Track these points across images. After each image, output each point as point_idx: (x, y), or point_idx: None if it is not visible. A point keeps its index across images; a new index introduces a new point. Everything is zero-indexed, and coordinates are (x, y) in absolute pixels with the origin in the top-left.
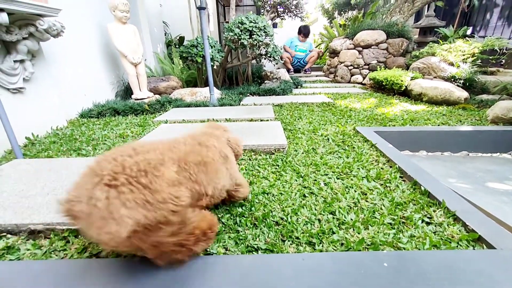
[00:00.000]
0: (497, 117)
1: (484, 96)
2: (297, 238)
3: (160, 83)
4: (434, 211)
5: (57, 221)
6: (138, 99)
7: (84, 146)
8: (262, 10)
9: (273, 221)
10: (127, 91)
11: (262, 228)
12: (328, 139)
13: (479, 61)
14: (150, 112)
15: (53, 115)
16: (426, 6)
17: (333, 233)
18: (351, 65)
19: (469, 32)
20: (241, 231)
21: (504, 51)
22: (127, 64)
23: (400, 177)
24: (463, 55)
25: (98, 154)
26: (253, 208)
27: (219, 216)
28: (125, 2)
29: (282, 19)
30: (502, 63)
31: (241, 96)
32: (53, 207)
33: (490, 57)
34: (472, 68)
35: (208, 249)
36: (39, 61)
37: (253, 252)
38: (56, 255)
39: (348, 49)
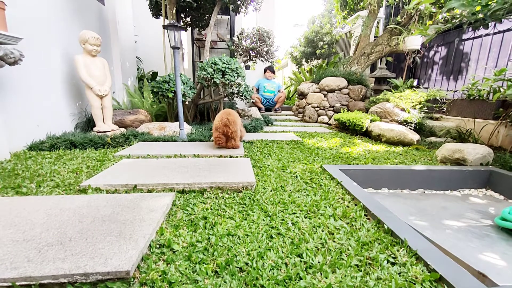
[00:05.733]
0: (444, 158)
1: (433, 139)
2: (262, 286)
3: (127, 116)
4: (398, 250)
5: None
6: (100, 132)
7: (26, 183)
8: (235, 54)
9: (237, 267)
10: (89, 123)
11: (224, 276)
12: (297, 176)
13: (425, 108)
14: (112, 146)
15: None
16: (380, 59)
17: (300, 278)
18: (317, 107)
19: (415, 83)
20: (201, 281)
21: (444, 100)
22: (92, 95)
23: (365, 215)
24: (412, 102)
25: (42, 192)
26: (215, 253)
27: (177, 263)
28: (97, 36)
29: (254, 62)
30: (443, 110)
31: (211, 131)
32: None
33: (434, 105)
34: (420, 113)
35: None
36: None
37: None
38: None
39: (315, 92)
